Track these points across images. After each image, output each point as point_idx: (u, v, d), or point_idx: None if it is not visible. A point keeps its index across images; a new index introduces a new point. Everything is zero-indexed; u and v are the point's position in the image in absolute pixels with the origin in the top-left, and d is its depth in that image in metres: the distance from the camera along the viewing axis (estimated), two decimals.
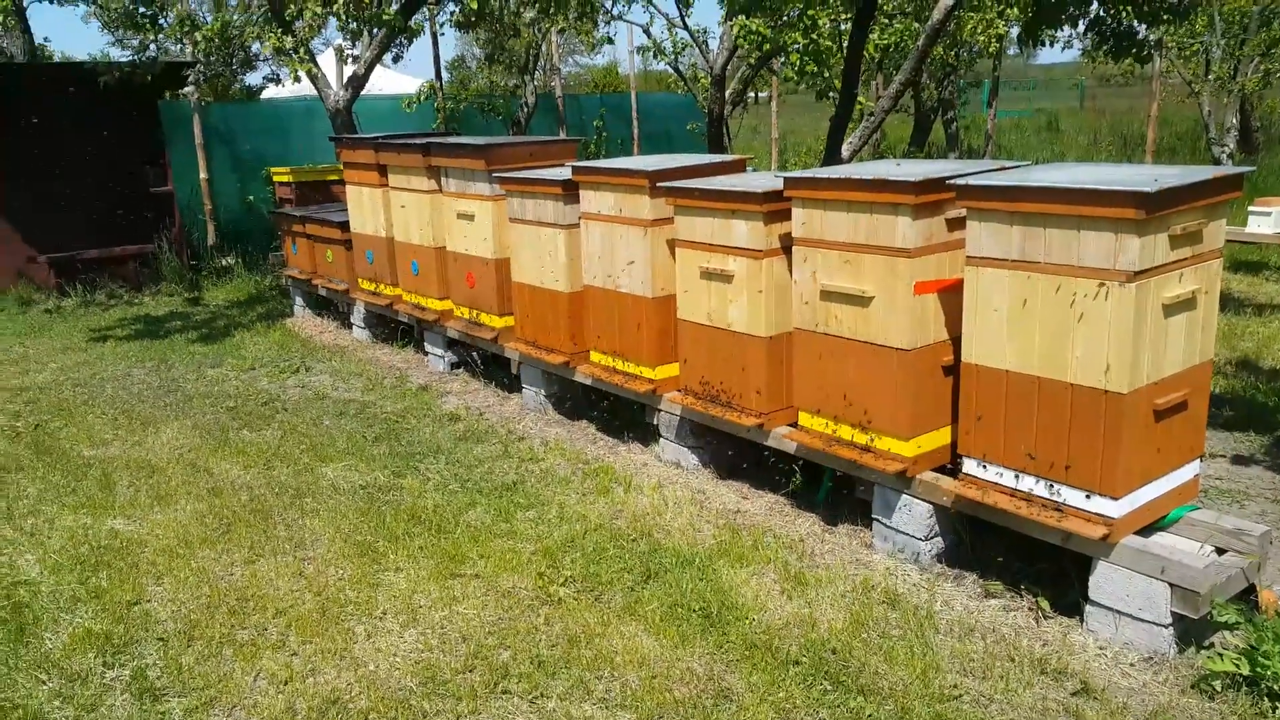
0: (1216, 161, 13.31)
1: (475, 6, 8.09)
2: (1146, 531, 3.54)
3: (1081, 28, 8.11)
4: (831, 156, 7.77)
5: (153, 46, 10.03)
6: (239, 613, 3.82)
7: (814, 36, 7.92)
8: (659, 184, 4.81)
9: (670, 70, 12.53)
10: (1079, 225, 3.32)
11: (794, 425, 4.52)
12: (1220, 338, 7.00)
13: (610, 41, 11.96)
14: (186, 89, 10.80)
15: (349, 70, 10.10)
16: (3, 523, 4.74)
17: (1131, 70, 16.57)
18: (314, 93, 10.12)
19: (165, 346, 8.30)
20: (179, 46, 11.15)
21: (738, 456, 5.06)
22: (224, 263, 11.94)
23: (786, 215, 4.28)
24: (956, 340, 3.96)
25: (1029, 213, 3.41)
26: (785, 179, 4.22)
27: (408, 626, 3.68)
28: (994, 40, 12.97)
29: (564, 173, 5.47)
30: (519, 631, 3.60)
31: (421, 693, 3.26)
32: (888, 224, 3.84)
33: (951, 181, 3.64)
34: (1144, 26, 7.97)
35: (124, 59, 9.99)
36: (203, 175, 12.13)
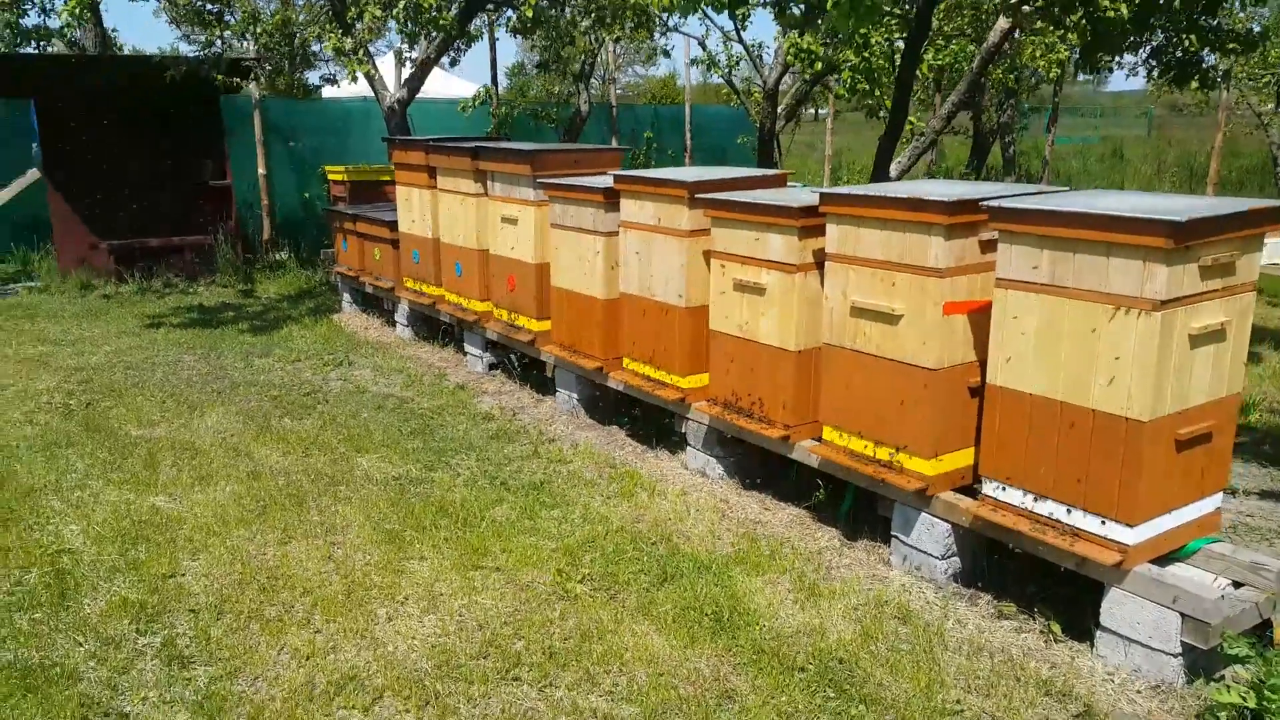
0: None
1: (530, 14, 8.24)
2: (1163, 561, 3.55)
3: (1144, 55, 8.07)
4: (879, 175, 7.80)
5: (218, 42, 10.29)
6: (268, 590, 3.95)
7: (866, 55, 7.95)
8: (697, 195, 4.89)
9: (735, 82, 12.59)
10: (1108, 252, 3.34)
11: (819, 439, 4.57)
12: (1272, 375, 6.92)
13: (667, 55, 12.07)
14: (248, 85, 11.06)
15: (406, 73, 10.31)
16: (51, 494, 4.92)
17: (1205, 100, 16.35)
18: (370, 93, 10.33)
19: (216, 335, 8.53)
20: (243, 44, 11.43)
21: (763, 468, 5.11)
22: (278, 257, 12.22)
23: (822, 231, 4.34)
24: (985, 362, 3.99)
25: (1059, 237, 3.45)
26: (821, 194, 4.28)
27: (427, 612, 3.78)
28: (1054, 65, 12.89)
29: (606, 181, 5.57)
30: (534, 623, 3.69)
31: (436, 674, 3.36)
32: (920, 243, 3.89)
33: (985, 203, 3.68)
34: (1213, 55, 7.91)
35: (191, 54, 10.27)
36: (261, 171, 12.42)
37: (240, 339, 8.40)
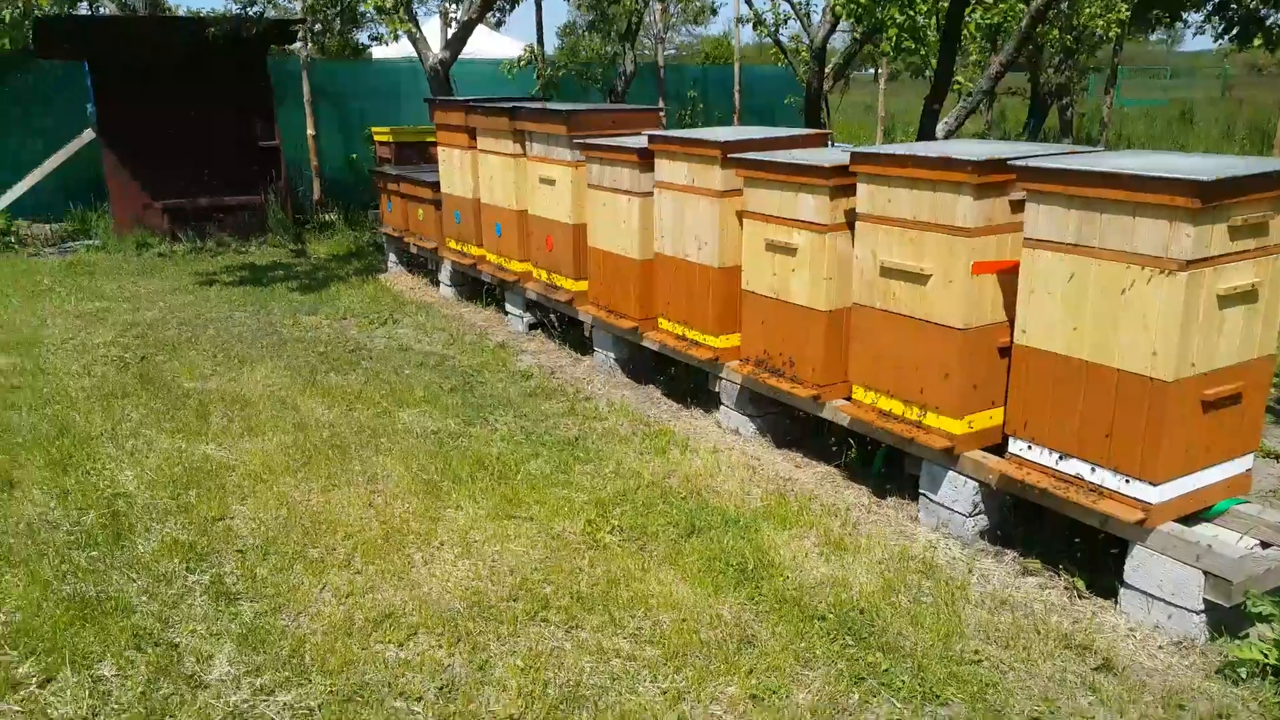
0: None
1: None
2: (1189, 521, 3.57)
3: (1207, 11, 7.86)
4: (925, 136, 7.75)
5: (260, 3, 10.42)
6: (311, 534, 4.11)
7: (910, 13, 7.87)
8: (730, 155, 4.93)
9: (785, 42, 12.47)
10: (1134, 211, 3.34)
11: (849, 399, 4.62)
12: None
13: (714, 12, 11.99)
14: (294, 45, 11.17)
15: (452, 31, 10.36)
16: (107, 442, 5.13)
17: None
18: (414, 54, 10.38)
19: (266, 293, 8.73)
20: (290, 3, 11.55)
21: (795, 426, 5.18)
22: (327, 218, 12.42)
23: (853, 191, 4.36)
24: (1012, 321, 4.01)
25: (1086, 197, 3.45)
26: (852, 154, 4.30)
27: (462, 557, 3.92)
28: (1114, 25, 12.60)
29: (641, 141, 5.62)
30: (563, 570, 3.81)
31: (467, 614, 3.50)
32: (949, 203, 3.91)
33: (1013, 163, 3.69)
34: (1276, 11, 7.69)
35: (232, 13, 10.41)
36: (310, 132, 12.60)
37: (289, 297, 8.60)
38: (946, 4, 7.94)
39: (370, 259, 10.43)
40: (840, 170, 4.36)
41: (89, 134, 11.04)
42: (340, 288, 8.95)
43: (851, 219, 4.43)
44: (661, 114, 6.75)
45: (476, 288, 8.36)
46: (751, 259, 4.93)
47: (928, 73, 9.12)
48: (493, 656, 3.27)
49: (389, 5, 8.87)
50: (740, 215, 5.01)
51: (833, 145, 5.58)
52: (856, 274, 4.38)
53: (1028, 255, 3.71)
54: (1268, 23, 7.72)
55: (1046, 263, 3.64)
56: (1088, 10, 12.99)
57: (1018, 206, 3.93)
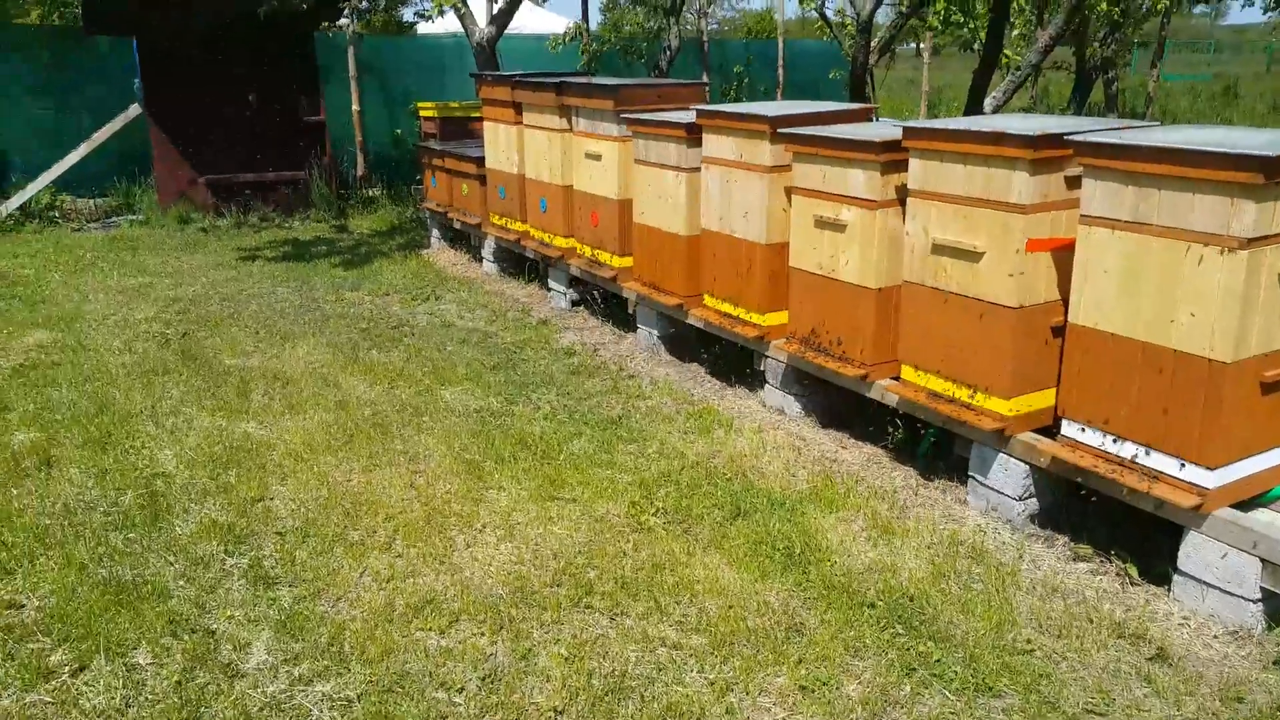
0: None
1: None
2: (1246, 506, 3.45)
3: None
4: (973, 110, 7.58)
5: None
6: (352, 515, 4.10)
7: None
8: (780, 130, 4.83)
9: (819, 15, 12.30)
10: (1193, 188, 3.22)
11: (897, 378, 4.53)
12: None
13: None
14: (342, 20, 11.16)
15: (498, 6, 10.30)
16: (147, 420, 5.15)
17: None
18: (460, 30, 10.34)
19: (309, 269, 8.76)
20: None
21: (841, 406, 5.09)
22: (370, 193, 12.43)
23: (904, 166, 4.26)
24: (1066, 301, 3.90)
25: (1143, 173, 3.33)
26: (905, 129, 4.19)
27: (504, 540, 3.89)
28: None
29: (688, 116, 5.52)
30: (607, 554, 3.77)
31: (510, 600, 3.46)
32: (1003, 179, 3.79)
33: (1070, 138, 3.57)
34: None
35: None
36: (355, 108, 12.61)
37: (332, 273, 8.61)
38: None
39: (413, 234, 10.42)
40: (892, 145, 4.25)
41: (135, 109, 11.10)
42: (383, 263, 8.95)
43: (902, 195, 4.32)
44: (706, 89, 6.64)
45: (519, 264, 8.32)
46: (800, 235, 4.83)
47: (976, 46, 8.90)
48: (536, 645, 3.23)
49: None
50: (789, 191, 4.91)
51: (877, 120, 5.46)
52: (907, 251, 4.28)
53: (1083, 232, 3.59)
54: None
55: (1102, 240, 3.52)
56: None
57: (1072, 183, 3.81)
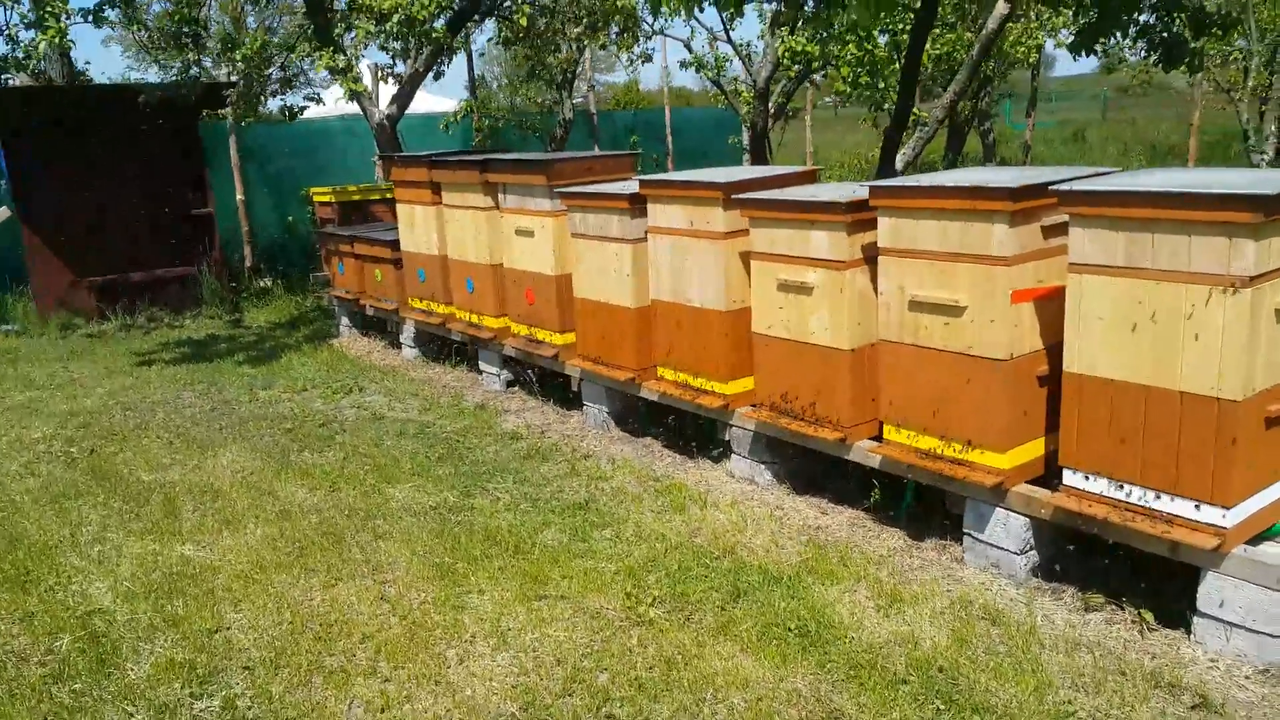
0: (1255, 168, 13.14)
1: (525, 23, 8.07)
2: (1254, 541, 3.43)
3: (1129, 37, 7.99)
4: (886, 166, 7.68)
5: (194, 67, 10.02)
6: (324, 638, 3.73)
7: (869, 47, 7.83)
8: (734, 196, 4.73)
9: (707, 84, 12.54)
10: (1189, 230, 3.23)
11: (877, 439, 4.43)
12: None
13: (649, 59, 11.94)
14: (225, 109, 10.79)
15: (388, 89, 10.11)
16: (69, 550, 4.66)
17: (1149, 80, 16.45)
18: (346, 111, 10.13)
19: (213, 369, 8.27)
20: (219, 70, 11.17)
21: (813, 470, 4.96)
22: (263, 284, 11.95)
23: (869, 225, 4.20)
24: (1050, 349, 3.87)
25: (1136, 218, 3.32)
26: (871, 188, 4.14)
27: (499, 649, 3.59)
28: (1033, 51, 12.86)
29: (629, 187, 5.40)
30: (613, 653, 3.51)
31: (523, 718, 3.17)
32: (983, 232, 3.75)
33: (1054, 187, 3.55)
34: (1197, 37, 7.84)
35: (159, 80, 10.00)
36: (239, 196, 12.16)
37: (240, 371, 8.15)
38: (905, 37, 7.94)
39: (318, 324, 10.00)
40: (858, 205, 4.18)
41: (4, 211, 10.44)
42: (293, 357, 8.51)
43: (870, 254, 4.25)
44: (636, 159, 6.55)
45: (443, 348, 8.02)
46: (762, 300, 4.72)
47: (887, 105, 9.10)
48: None
49: (341, 64, 8.55)
50: (744, 256, 4.80)
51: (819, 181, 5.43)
52: (882, 309, 4.20)
53: (1074, 280, 3.56)
54: (1191, 47, 7.85)
55: (1095, 287, 3.49)
56: (1011, 37, 13.24)
57: (1049, 231, 3.81)
